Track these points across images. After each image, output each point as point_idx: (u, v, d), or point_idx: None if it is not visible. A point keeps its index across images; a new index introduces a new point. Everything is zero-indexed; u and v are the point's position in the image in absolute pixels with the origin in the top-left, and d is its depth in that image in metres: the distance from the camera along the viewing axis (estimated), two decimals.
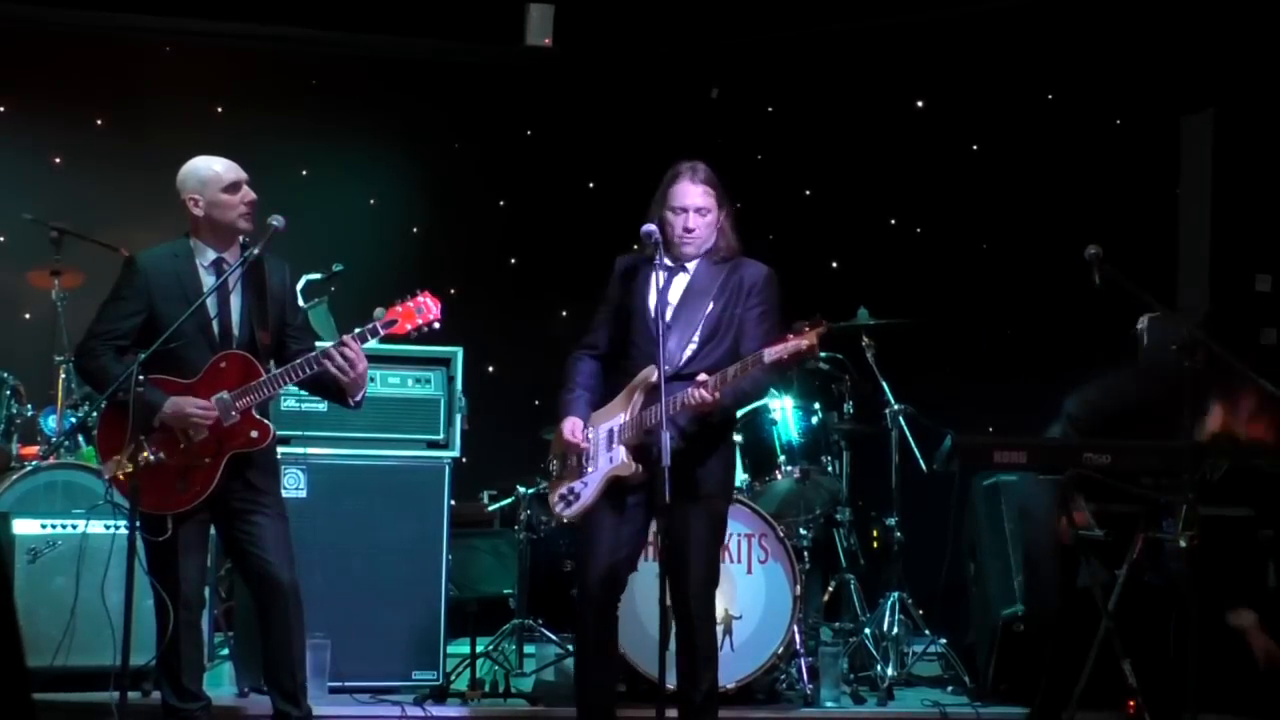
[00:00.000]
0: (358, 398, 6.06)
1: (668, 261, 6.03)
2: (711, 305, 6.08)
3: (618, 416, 6.07)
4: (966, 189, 10.22)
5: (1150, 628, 6.26)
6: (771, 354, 5.82)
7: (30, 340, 9.00)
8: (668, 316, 5.99)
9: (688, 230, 6.05)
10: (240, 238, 6.02)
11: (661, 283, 5.99)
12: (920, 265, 10.15)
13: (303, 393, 6.79)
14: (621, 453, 6.03)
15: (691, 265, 6.12)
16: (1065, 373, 6.86)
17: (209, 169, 5.98)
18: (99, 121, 9.80)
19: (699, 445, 6.03)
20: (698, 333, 6.06)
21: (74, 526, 7.11)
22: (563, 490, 6.11)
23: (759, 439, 7.80)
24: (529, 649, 7.97)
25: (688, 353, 6.05)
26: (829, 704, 7.35)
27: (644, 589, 6.61)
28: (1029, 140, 10.14)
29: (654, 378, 5.89)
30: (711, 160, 9.87)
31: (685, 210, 6.04)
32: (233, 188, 5.96)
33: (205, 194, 5.95)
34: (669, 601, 5.78)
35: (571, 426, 6.08)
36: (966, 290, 10.00)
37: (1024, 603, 7.46)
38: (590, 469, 6.08)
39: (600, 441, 6.09)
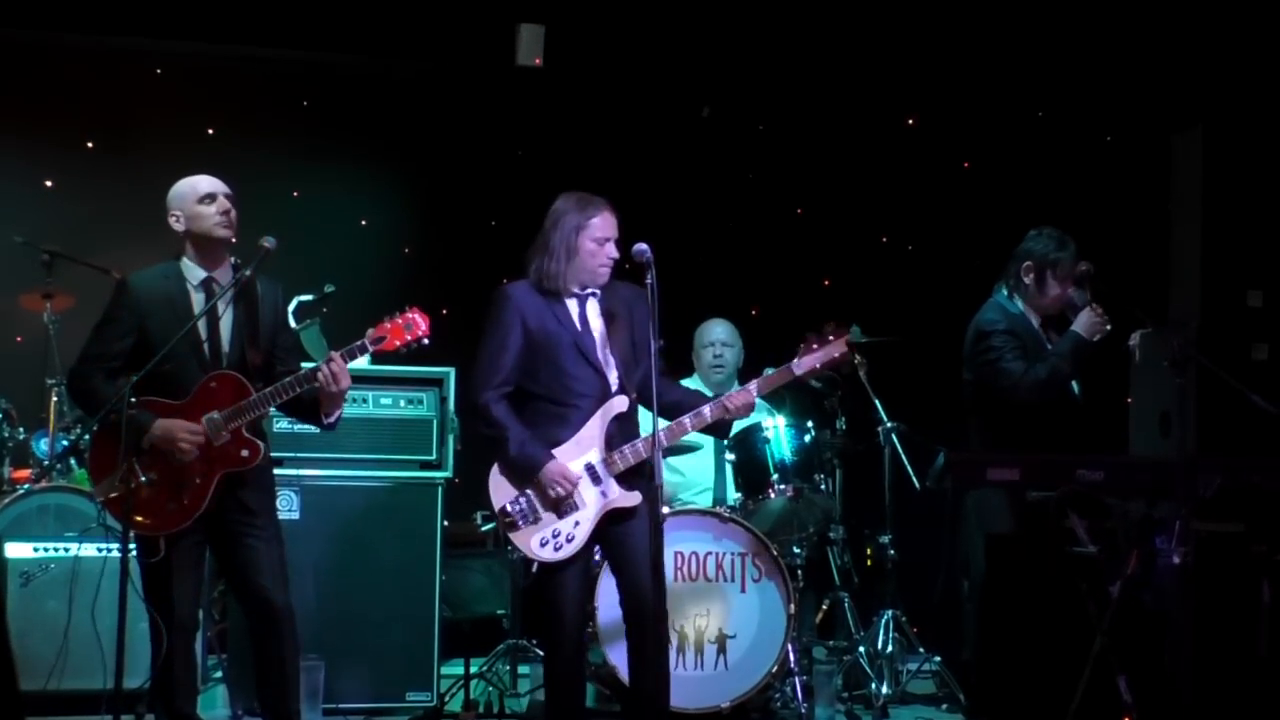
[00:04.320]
0: (333, 418, 6.05)
1: (574, 289, 6.19)
2: (627, 329, 6.26)
3: (590, 451, 6.13)
4: (958, 206, 10.24)
5: (1145, 644, 6.25)
6: (802, 365, 6.29)
7: (22, 363, 8.97)
8: (602, 345, 6.18)
9: (611, 259, 6.19)
10: (231, 258, 6.03)
11: (578, 310, 6.19)
12: (912, 283, 10.16)
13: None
14: (615, 486, 6.10)
15: (595, 292, 6.24)
16: None
17: (188, 184, 6.03)
18: (90, 144, 9.79)
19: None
20: (626, 355, 6.23)
21: (66, 549, 7.11)
22: (544, 535, 6.09)
23: (752, 457, 7.79)
24: (523, 669, 7.96)
25: (616, 375, 6.21)
26: None
27: None
28: (1020, 157, 10.16)
29: (623, 407, 6.10)
30: (703, 179, 9.91)
31: (609, 240, 6.18)
32: (208, 198, 5.98)
33: (184, 208, 5.98)
34: (631, 609, 6.08)
35: (559, 469, 6.07)
36: (959, 307, 10.00)
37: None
38: (577, 508, 6.10)
39: (581, 479, 6.12)
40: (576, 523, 6.09)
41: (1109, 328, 6.70)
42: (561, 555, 6.08)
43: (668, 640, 6.32)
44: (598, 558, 6.56)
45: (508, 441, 6.09)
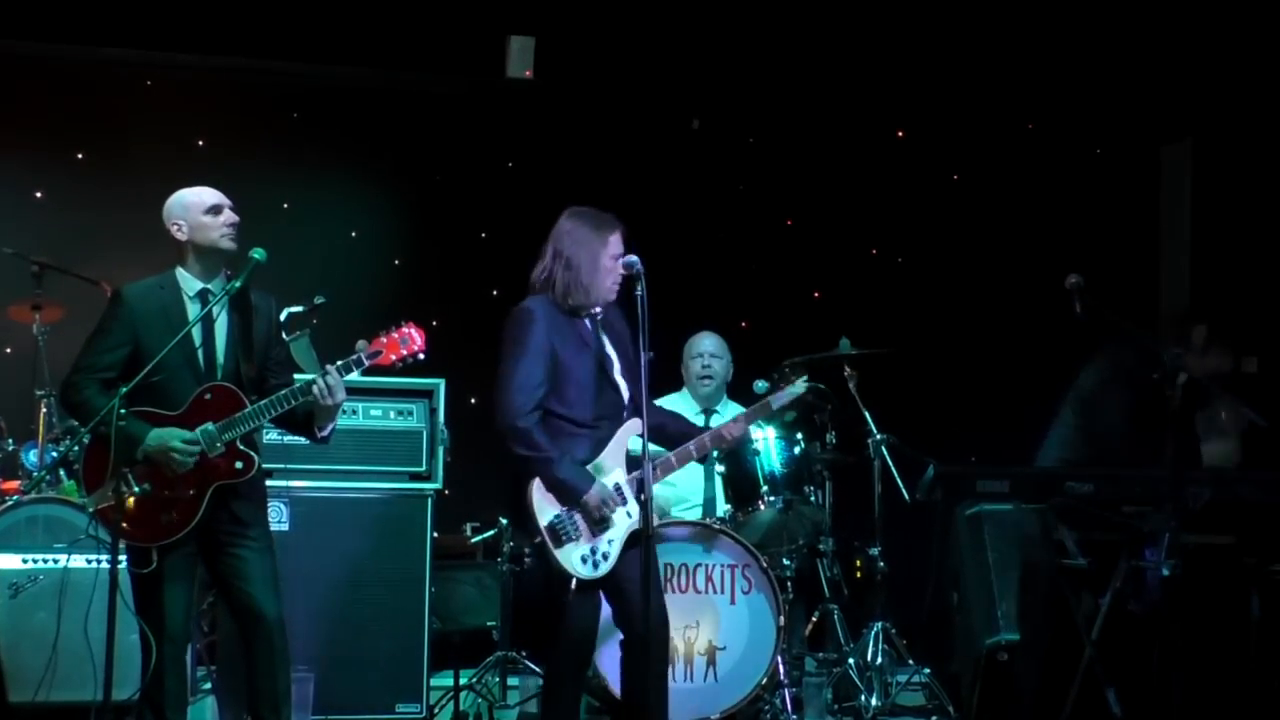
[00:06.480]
0: (325, 431, 6.05)
1: (593, 308, 6.17)
2: (626, 347, 6.25)
3: (615, 471, 6.14)
4: (947, 219, 10.25)
5: (1134, 656, 6.26)
6: (779, 400, 6.57)
7: (11, 374, 8.96)
8: (617, 364, 6.20)
9: (622, 276, 6.13)
10: (224, 270, 6.02)
11: (592, 328, 6.19)
12: (902, 295, 10.18)
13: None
14: (636, 507, 6.08)
15: (599, 312, 6.22)
16: (1047, 401, 6.86)
17: (193, 194, 6.01)
18: (80, 156, 9.78)
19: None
20: (633, 374, 6.20)
21: (56, 561, 7.09)
22: (583, 552, 6.06)
23: (742, 469, 7.79)
24: (512, 681, 7.96)
25: (628, 395, 6.23)
26: None
27: None
28: (1010, 170, 10.18)
29: (638, 429, 6.02)
30: (693, 191, 9.91)
31: (620, 257, 6.11)
32: (214, 210, 5.98)
33: (188, 218, 5.97)
34: (634, 628, 6.04)
35: (602, 493, 6.05)
36: (948, 320, 10.03)
37: (1016, 630, 7.41)
38: (610, 527, 6.10)
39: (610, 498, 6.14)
40: (610, 541, 6.09)
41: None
42: (599, 573, 6.07)
43: (667, 663, 6.29)
44: None
45: (552, 465, 6.01)
